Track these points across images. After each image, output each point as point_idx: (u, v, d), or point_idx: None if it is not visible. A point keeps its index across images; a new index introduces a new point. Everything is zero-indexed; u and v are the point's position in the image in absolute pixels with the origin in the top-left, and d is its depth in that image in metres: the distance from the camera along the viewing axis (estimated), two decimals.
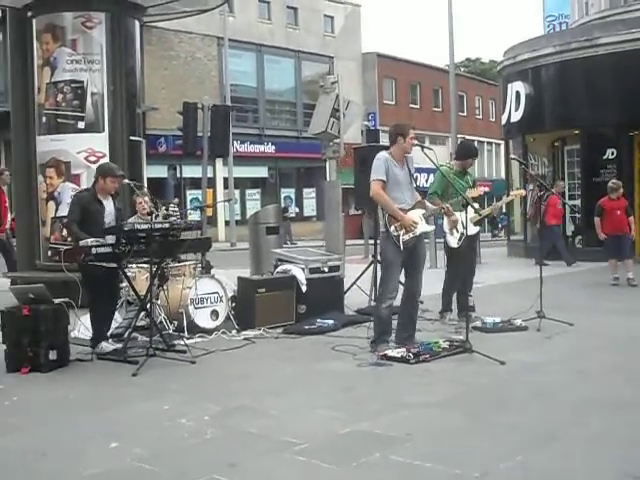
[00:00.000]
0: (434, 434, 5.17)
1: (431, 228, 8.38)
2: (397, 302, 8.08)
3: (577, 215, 19.63)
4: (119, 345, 7.93)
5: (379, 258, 8.88)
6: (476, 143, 53.38)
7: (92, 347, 7.96)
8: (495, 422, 5.42)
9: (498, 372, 6.93)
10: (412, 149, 7.98)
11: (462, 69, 61.78)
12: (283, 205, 36.43)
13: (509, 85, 21.86)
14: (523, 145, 21.76)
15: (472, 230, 9.34)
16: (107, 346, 7.97)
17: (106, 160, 11.16)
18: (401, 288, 8.12)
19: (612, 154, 18.74)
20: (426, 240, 8.53)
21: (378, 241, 9.24)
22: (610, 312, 10.46)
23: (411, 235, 7.76)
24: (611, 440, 4.97)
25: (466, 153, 9.94)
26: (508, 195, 11.75)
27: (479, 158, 52.88)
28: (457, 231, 9.32)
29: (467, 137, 41.65)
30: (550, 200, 16.68)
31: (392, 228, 7.71)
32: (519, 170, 22.03)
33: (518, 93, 21.20)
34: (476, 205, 9.10)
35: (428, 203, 8.38)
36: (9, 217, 13.21)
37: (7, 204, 13.22)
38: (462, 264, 9.45)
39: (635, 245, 15.38)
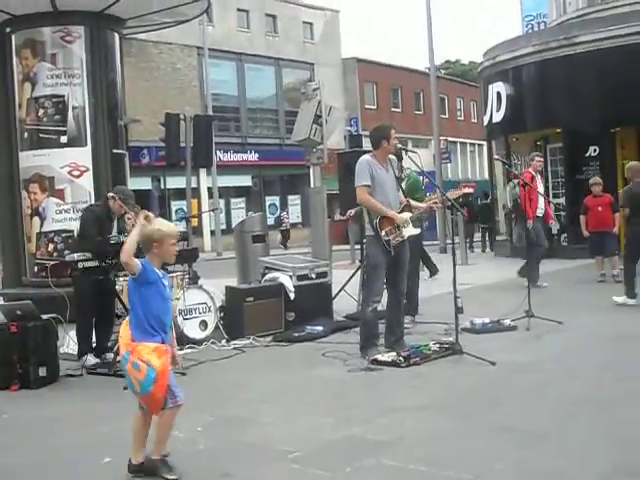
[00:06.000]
0: (427, 437, 5.18)
1: (417, 231, 8.25)
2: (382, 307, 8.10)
3: (561, 213, 19.69)
4: (98, 360, 7.98)
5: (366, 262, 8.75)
6: (459, 145, 53.87)
7: (78, 358, 7.99)
8: (487, 423, 5.43)
9: (489, 373, 6.94)
10: (396, 150, 8.00)
11: (442, 71, 61.89)
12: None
13: (490, 86, 21.92)
14: (506, 145, 21.81)
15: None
16: (90, 359, 7.98)
17: (89, 174, 11.22)
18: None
19: (594, 151, 18.82)
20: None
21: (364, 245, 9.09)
22: (598, 309, 10.47)
23: (399, 239, 7.76)
24: (602, 437, 4.99)
25: None
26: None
27: (463, 159, 52.11)
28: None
29: (450, 139, 41.76)
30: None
31: (383, 233, 7.69)
32: (502, 170, 22.08)
33: (499, 94, 21.26)
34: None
35: (415, 203, 8.19)
36: (541, 205, 13.22)
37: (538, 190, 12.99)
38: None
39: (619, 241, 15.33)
